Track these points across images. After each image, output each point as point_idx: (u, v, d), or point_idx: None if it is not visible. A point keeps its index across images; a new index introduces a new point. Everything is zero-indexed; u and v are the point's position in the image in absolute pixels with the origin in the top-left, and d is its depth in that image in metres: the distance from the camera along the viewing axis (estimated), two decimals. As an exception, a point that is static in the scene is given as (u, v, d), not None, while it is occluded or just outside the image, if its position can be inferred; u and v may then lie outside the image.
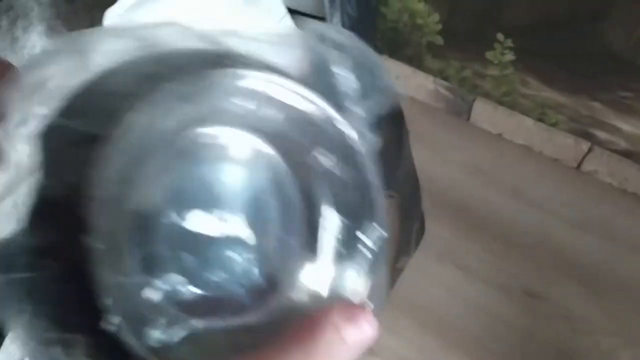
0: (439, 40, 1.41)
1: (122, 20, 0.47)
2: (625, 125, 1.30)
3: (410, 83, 1.52)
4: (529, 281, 1.24)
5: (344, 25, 0.77)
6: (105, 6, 0.85)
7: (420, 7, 1.37)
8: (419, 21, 1.40)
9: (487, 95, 1.45)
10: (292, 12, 0.83)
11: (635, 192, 1.37)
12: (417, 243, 1.20)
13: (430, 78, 1.49)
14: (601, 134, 1.35)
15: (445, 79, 1.47)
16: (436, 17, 1.37)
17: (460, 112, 1.50)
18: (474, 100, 1.47)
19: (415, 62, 1.49)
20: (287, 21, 0.81)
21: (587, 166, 1.42)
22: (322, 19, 0.77)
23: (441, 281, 1.22)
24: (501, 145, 1.48)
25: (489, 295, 1.21)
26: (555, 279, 1.24)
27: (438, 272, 1.23)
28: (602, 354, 1.15)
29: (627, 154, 1.34)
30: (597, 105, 1.30)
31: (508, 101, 1.43)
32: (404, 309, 1.18)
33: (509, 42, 1.31)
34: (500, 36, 1.31)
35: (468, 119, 1.50)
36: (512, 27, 1.30)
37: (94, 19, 0.54)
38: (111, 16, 0.50)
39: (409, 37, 1.45)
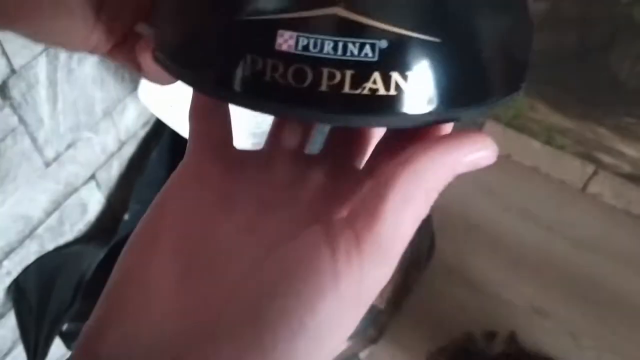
0: (451, 66, 1.44)
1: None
2: (630, 150, 1.31)
3: (422, 105, 1.55)
4: (536, 298, 1.25)
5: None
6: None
7: (433, 34, 1.40)
8: (432, 47, 1.43)
9: (496, 118, 1.46)
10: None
11: (638, 214, 1.37)
12: (428, 260, 1.23)
13: (442, 101, 1.52)
14: (606, 158, 1.35)
15: (456, 102, 1.49)
16: (448, 44, 1.40)
17: (471, 133, 1.52)
18: (483, 123, 1.48)
19: (427, 85, 1.52)
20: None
21: (592, 188, 1.42)
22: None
23: (451, 297, 1.23)
24: (510, 166, 1.48)
25: (497, 311, 1.21)
26: (561, 297, 1.25)
27: (448, 289, 1.24)
28: (606, 370, 1.16)
29: (630, 178, 1.34)
30: (602, 130, 1.31)
31: (517, 124, 1.43)
32: (414, 323, 1.19)
33: (518, 69, 1.34)
34: (509, 63, 1.34)
35: (478, 140, 1.52)
36: (522, 54, 1.33)
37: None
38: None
39: (422, 61, 1.48)
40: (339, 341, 0.18)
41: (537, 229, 1.37)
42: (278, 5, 0.18)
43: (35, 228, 0.75)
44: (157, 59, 0.23)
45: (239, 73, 0.19)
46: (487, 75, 0.21)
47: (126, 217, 0.79)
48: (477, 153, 0.20)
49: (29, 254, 0.76)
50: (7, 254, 0.73)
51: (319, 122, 0.20)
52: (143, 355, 0.18)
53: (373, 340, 1.04)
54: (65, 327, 0.75)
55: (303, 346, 0.17)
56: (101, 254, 0.77)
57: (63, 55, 0.67)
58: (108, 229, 0.85)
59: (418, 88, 0.18)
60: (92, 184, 0.82)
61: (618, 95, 1.24)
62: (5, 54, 0.60)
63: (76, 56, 0.68)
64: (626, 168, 1.34)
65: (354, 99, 0.18)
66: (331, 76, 0.18)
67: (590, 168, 1.39)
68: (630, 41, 1.17)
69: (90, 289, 0.75)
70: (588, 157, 1.38)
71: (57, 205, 0.77)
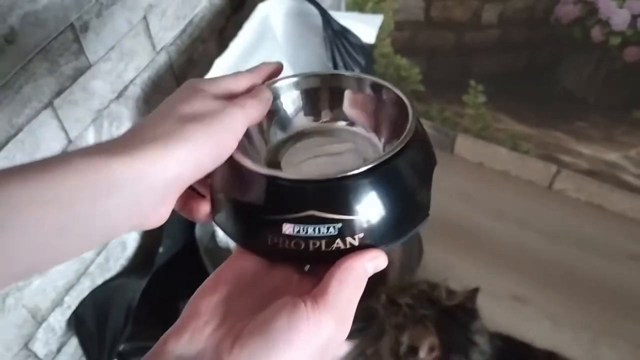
0: (421, 88, 1.50)
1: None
2: (585, 150, 1.39)
3: (399, 125, 1.65)
4: (514, 288, 1.29)
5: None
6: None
7: (403, 62, 1.47)
8: (403, 73, 1.49)
9: (466, 131, 1.53)
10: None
11: (599, 204, 1.46)
12: (418, 262, 1.33)
13: (417, 119, 1.61)
14: (566, 158, 1.43)
15: (429, 119, 1.56)
16: (417, 69, 1.47)
17: (445, 146, 1.59)
18: (455, 136, 1.56)
19: (402, 106, 1.62)
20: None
21: (557, 185, 1.50)
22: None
23: (440, 293, 1.30)
24: (483, 173, 1.55)
25: (480, 302, 1.21)
26: (537, 284, 1.30)
27: (437, 286, 1.28)
28: (584, 345, 1.22)
29: (589, 173, 1.43)
30: (559, 134, 1.39)
31: (485, 134, 1.51)
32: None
33: (481, 87, 1.41)
34: (472, 82, 1.41)
35: (452, 151, 1.59)
36: (482, 74, 1.39)
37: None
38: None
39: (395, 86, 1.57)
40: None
41: (511, 225, 1.42)
42: (283, 211, 0.32)
43: (88, 266, 0.87)
44: (215, 222, 0.37)
45: (265, 243, 0.33)
46: (398, 231, 0.34)
47: (160, 250, 0.92)
48: (374, 261, 0.33)
49: (84, 289, 0.88)
50: (67, 291, 0.85)
51: (311, 265, 0.34)
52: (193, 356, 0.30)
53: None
54: (121, 347, 0.87)
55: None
56: (143, 283, 0.89)
57: (105, 123, 0.81)
58: (144, 262, 0.98)
59: (361, 242, 0.32)
60: (129, 225, 0.94)
61: (569, 103, 1.33)
62: (64, 129, 0.74)
63: (115, 123, 0.82)
64: (584, 165, 1.42)
65: (327, 253, 0.32)
66: (314, 244, 0.32)
67: (553, 168, 1.47)
68: (573, 56, 1.26)
69: (138, 314, 0.87)
70: (550, 159, 1.46)
71: (103, 245, 0.90)
